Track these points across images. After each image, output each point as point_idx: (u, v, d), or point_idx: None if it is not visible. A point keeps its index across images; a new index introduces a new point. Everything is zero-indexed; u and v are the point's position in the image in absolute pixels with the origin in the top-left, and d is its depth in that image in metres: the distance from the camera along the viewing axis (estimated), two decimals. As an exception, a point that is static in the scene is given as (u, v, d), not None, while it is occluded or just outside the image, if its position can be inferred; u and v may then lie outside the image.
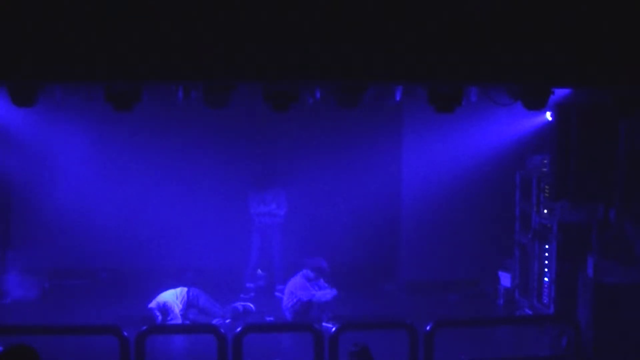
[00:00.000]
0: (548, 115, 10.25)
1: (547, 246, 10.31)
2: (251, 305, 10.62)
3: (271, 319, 10.45)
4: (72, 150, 11.94)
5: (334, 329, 7.44)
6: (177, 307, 10.06)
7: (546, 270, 10.32)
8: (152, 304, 10.02)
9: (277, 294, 11.39)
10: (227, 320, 10.01)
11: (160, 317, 9.87)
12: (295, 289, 10.26)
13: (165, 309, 9.97)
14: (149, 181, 12.17)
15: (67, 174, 11.91)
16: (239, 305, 10.58)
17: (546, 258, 10.34)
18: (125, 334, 7.09)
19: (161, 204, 12.29)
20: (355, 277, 12.22)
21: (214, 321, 9.87)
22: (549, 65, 6.73)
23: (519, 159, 11.37)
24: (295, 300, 10.20)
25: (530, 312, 10.65)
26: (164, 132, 11.96)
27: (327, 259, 12.31)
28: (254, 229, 11.80)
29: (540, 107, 7.49)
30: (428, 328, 7.34)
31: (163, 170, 12.13)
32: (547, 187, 10.13)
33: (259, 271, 11.95)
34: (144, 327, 7.24)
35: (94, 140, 11.96)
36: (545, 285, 10.32)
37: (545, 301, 10.30)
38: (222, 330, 7.40)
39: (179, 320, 9.97)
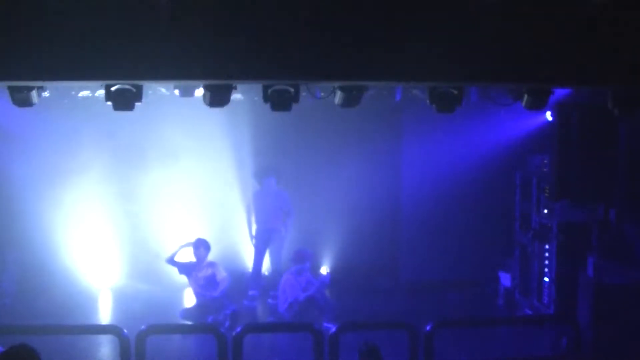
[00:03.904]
0: (548, 115, 10.26)
1: (547, 246, 10.31)
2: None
3: (271, 319, 10.45)
4: (74, 151, 11.94)
5: (333, 329, 7.44)
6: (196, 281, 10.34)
7: (546, 270, 10.32)
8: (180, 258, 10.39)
9: (270, 300, 11.23)
10: (227, 323, 9.93)
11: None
12: (286, 289, 10.27)
13: (188, 268, 10.37)
14: (148, 183, 12.17)
15: (68, 174, 11.91)
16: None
17: (546, 258, 10.34)
18: (125, 334, 7.09)
19: (161, 206, 12.31)
20: (355, 277, 12.22)
21: (210, 318, 9.92)
22: (549, 65, 6.73)
23: (519, 159, 11.37)
24: (289, 301, 10.21)
25: (530, 312, 10.65)
26: (162, 133, 11.94)
27: (327, 259, 12.37)
28: (257, 235, 11.69)
29: (540, 107, 7.48)
30: (428, 328, 7.34)
31: (164, 173, 12.13)
32: (547, 187, 10.13)
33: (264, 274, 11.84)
34: (144, 327, 7.23)
35: (97, 139, 11.95)
36: (545, 285, 10.32)
37: (545, 301, 10.30)
38: (222, 330, 7.41)
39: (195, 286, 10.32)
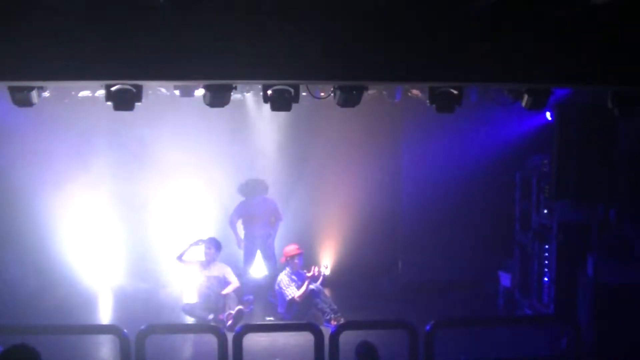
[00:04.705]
0: (548, 115, 10.26)
1: (547, 246, 10.30)
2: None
3: (271, 319, 10.46)
4: (74, 151, 11.94)
5: (334, 328, 7.44)
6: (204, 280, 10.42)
7: (546, 270, 10.31)
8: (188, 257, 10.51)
9: (271, 299, 11.18)
10: (228, 322, 9.91)
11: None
12: (283, 289, 10.28)
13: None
14: (149, 183, 12.16)
15: (69, 174, 11.90)
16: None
17: (546, 258, 10.33)
18: (125, 334, 7.09)
19: (162, 206, 12.30)
20: (356, 277, 12.22)
21: (211, 317, 9.96)
22: (549, 65, 6.73)
23: (519, 159, 11.37)
24: (287, 300, 10.21)
25: (530, 312, 10.64)
26: (164, 134, 11.93)
27: (327, 259, 12.32)
28: (245, 239, 11.65)
29: (540, 107, 7.48)
30: (428, 328, 7.33)
31: (165, 173, 12.11)
32: (547, 187, 10.12)
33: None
34: (144, 327, 7.22)
35: (97, 140, 11.96)
36: (545, 285, 10.32)
37: (545, 301, 10.30)
38: (223, 330, 7.41)
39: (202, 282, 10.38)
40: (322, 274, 10.28)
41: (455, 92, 7.18)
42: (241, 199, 11.71)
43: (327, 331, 7.48)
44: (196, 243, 10.58)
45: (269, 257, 11.53)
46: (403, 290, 12.10)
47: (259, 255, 11.67)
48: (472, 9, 6.42)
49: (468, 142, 11.97)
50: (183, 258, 10.50)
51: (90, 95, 10.46)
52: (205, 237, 10.70)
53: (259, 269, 11.70)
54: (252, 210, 11.55)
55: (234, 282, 10.49)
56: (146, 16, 6.34)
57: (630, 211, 9.10)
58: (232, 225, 11.63)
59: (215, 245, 10.57)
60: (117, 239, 12.25)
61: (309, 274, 10.19)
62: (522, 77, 6.87)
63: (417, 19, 6.56)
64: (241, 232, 11.68)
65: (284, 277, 10.37)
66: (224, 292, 10.29)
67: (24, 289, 11.29)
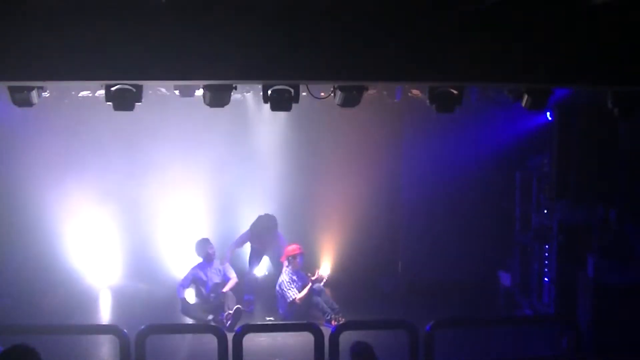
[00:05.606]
0: (548, 115, 10.26)
1: (547, 246, 10.31)
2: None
3: (271, 319, 10.46)
4: (75, 151, 11.94)
5: (334, 328, 7.45)
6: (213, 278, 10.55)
7: (546, 270, 10.32)
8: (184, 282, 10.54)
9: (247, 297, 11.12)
10: (228, 322, 9.92)
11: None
12: (284, 290, 10.29)
13: (197, 280, 10.53)
14: (149, 183, 12.16)
15: (69, 174, 11.91)
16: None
17: (546, 258, 10.34)
18: (125, 334, 7.09)
19: (162, 205, 12.31)
20: (356, 277, 12.22)
21: (210, 317, 10.00)
22: (549, 65, 6.73)
23: (519, 159, 11.37)
24: (288, 301, 10.22)
25: (530, 312, 10.64)
26: (164, 135, 11.93)
27: (328, 259, 12.31)
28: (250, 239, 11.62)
29: (541, 107, 7.48)
30: (428, 328, 7.33)
31: (165, 173, 12.11)
32: (547, 187, 10.13)
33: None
34: (144, 327, 7.22)
35: (98, 140, 11.97)
36: (546, 285, 10.32)
37: (545, 301, 10.30)
38: (222, 330, 7.41)
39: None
40: (323, 277, 10.32)
41: (455, 92, 7.18)
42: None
43: (327, 331, 7.48)
44: (194, 269, 10.65)
45: (277, 259, 11.47)
46: (403, 290, 12.11)
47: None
48: (472, 9, 6.42)
49: (468, 142, 11.96)
50: (185, 285, 10.57)
51: (90, 95, 10.46)
52: (199, 239, 10.80)
53: (261, 269, 11.70)
54: (263, 247, 11.50)
55: (233, 278, 10.58)
56: (146, 16, 6.34)
57: (630, 211, 9.10)
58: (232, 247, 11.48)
59: (209, 242, 10.72)
60: (117, 239, 12.24)
61: (312, 278, 10.20)
62: (522, 77, 6.87)
63: (417, 19, 6.55)
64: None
65: (285, 279, 10.36)
66: (224, 289, 10.31)
67: (24, 289, 11.28)
